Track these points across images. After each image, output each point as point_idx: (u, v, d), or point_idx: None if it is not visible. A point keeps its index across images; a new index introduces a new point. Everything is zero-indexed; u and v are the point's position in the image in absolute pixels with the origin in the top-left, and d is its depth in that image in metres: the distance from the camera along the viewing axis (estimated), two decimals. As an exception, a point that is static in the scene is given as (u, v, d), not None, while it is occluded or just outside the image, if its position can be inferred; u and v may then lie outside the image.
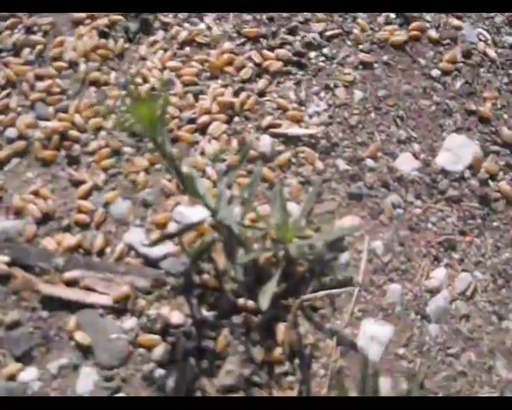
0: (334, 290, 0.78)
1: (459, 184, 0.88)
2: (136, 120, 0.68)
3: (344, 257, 0.83)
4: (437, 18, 1.02)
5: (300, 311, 0.79)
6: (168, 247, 0.83)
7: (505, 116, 0.94)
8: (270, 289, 0.75)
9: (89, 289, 0.81)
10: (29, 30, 1.02)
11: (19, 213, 0.87)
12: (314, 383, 0.76)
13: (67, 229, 0.86)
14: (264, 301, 0.74)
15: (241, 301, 0.79)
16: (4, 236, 0.85)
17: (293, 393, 0.74)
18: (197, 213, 0.84)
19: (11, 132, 0.93)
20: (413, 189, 0.88)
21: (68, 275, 0.81)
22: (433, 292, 0.80)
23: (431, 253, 0.83)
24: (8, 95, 0.96)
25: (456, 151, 0.90)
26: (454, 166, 0.89)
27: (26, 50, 0.99)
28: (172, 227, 0.85)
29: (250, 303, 0.78)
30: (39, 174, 0.90)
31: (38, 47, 0.99)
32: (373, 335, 0.78)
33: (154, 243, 0.80)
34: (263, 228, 0.79)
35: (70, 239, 0.84)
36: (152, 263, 0.82)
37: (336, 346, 0.77)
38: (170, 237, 0.81)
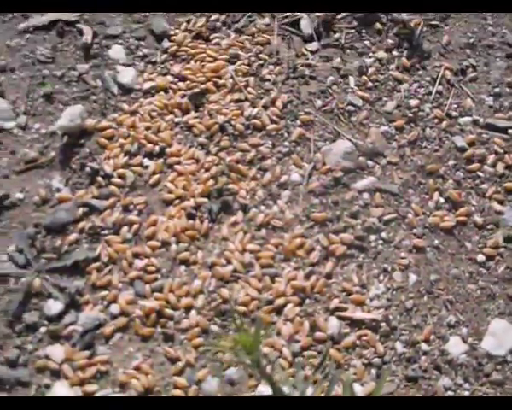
0: None
1: (502, 367, 1.02)
2: (236, 349, 0.82)
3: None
4: (481, 202, 1.17)
5: None
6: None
7: (543, 302, 1.08)
8: None
9: None
10: (126, 208, 1.18)
11: (123, 386, 1.03)
12: None
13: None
14: None
15: None
16: (112, 408, 1.01)
17: None
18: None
19: (114, 308, 1.09)
20: (461, 372, 1.02)
21: (169, 449, 0.97)
22: None
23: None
24: (110, 271, 1.13)
25: (500, 336, 1.04)
26: (498, 351, 1.03)
27: (124, 229, 1.16)
28: None
29: None
30: (139, 349, 1.05)
31: (135, 226, 1.16)
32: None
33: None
34: None
35: (168, 415, 1.00)
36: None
37: None
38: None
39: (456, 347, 1.04)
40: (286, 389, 0.90)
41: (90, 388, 1.02)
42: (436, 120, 1.25)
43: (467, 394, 1.00)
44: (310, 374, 0.99)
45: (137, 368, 1.04)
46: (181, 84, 1.30)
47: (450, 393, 1.00)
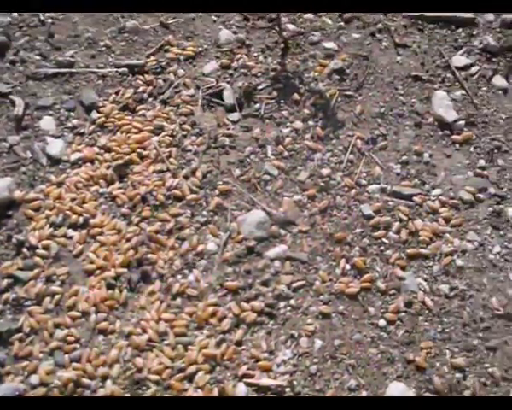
0: None
1: (398, 429, 1.09)
2: None
3: None
4: (385, 268, 1.24)
5: None
6: None
7: (437, 364, 1.14)
8: None
9: None
10: (49, 279, 1.23)
11: (40, 455, 1.07)
12: None
13: None
14: None
15: None
16: None
17: None
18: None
19: (34, 379, 1.13)
20: (360, 434, 1.08)
21: None
22: None
23: None
24: (31, 342, 1.17)
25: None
26: (394, 413, 1.10)
27: (47, 299, 1.21)
28: None
29: None
30: (57, 418, 1.11)
31: (57, 297, 1.21)
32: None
33: None
34: None
35: None
36: None
37: None
38: None
39: (355, 410, 1.11)
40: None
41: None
42: (346, 189, 1.33)
43: (364, 456, 1.06)
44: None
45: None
46: (106, 155, 1.37)
47: (348, 456, 1.07)
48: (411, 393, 1.11)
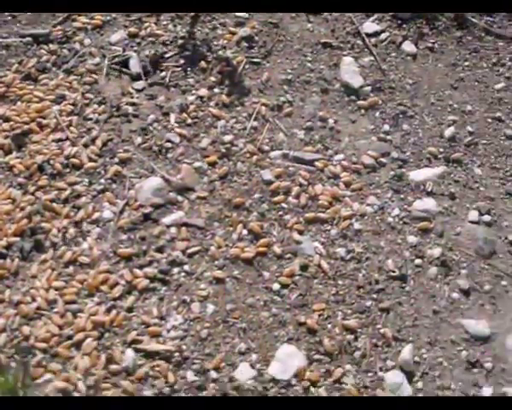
0: None
1: (286, 390, 1.07)
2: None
3: None
4: (282, 233, 1.23)
5: None
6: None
7: (329, 326, 1.13)
8: None
9: None
10: None
11: None
12: None
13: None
14: None
15: None
16: None
17: None
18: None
19: None
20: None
21: None
22: None
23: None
24: None
25: (286, 361, 1.09)
26: (283, 375, 1.08)
27: None
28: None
29: None
30: None
31: None
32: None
33: None
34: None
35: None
36: None
37: None
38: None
39: (244, 373, 1.09)
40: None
41: None
42: (248, 155, 1.32)
43: (251, 419, 1.06)
44: (102, 406, 1.04)
45: None
46: (5, 125, 1.34)
47: (233, 418, 1.06)
48: (301, 355, 1.10)
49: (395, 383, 1.09)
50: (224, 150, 1.32)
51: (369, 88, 1.42)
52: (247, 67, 1.45)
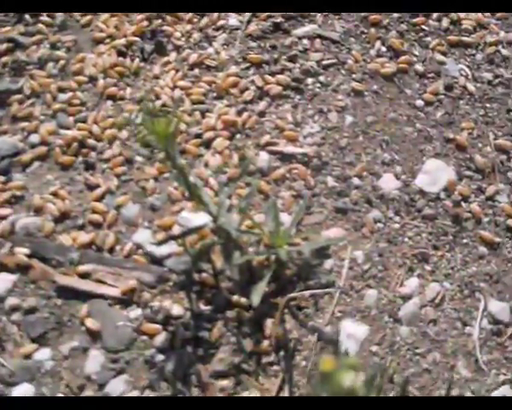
0: (317, 291, 0.88)
1: (434, 203, 0.98)
2: (151, 134, 0.78)
3: (328, 263, 0.93)
4: (424, 53, 1.13)
5: (287, 309, 0.89)
6: (172, 247, 0.93)
7: (479, 145, 1.04)
8: (262, 288, 0.85)
9: (100, 281, 0.91)
10: (53, 46, 1.12)
11: (38, 211, 0.97)
12: (296, 373, 0.85)
13: (82, 227, 0.96)
14: (256, 298, 0.84)
15: (235, 297, 0.89)
16: (25, 231, 0.95)
17: (278, 380, 0.84)
18: (199, 219, 0.94)
19: (34, 138, 1.03)
20: (393, 206, 0.98)
21: (82, 268, 0.92)
22: (406, 298, 0.90)
23: (406, 264, 0.93)
24: (32, 104, 1.06)
25: (434, 174, 1.00)
26: (431, 188, 0.99)
27: (50, 64, 1.10)
28: (177, 230, 0.95)
29: (243, 300, 0.88)
30: (58, 177, 1.00)
31: (61, 62, 1.10)
32: (350, 333, 0.88)
33: (160, 243, 0.90)
34: (257, 233, 0.89)
35: (84, 237, 0.94)
36: (157, 261, 0.92)
37: (317, 341, 0.87)
38: (174, 238, 0.91)
39: (388, 183, 1.00)
40: (211, 208, 0.87)
41: (3, 211, 0.96)
42: (383, -24, 1.22)
43: (397, 226, 0.96)
44: (235, 204, 0.96)
45: (54, 194, 0.98)
46: None
47: (379, 225, 0.96)
48: (450, 170, 1.01)
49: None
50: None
51: None
52: None
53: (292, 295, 0.89)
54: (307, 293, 0.89)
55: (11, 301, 0.90)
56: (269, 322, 0.87)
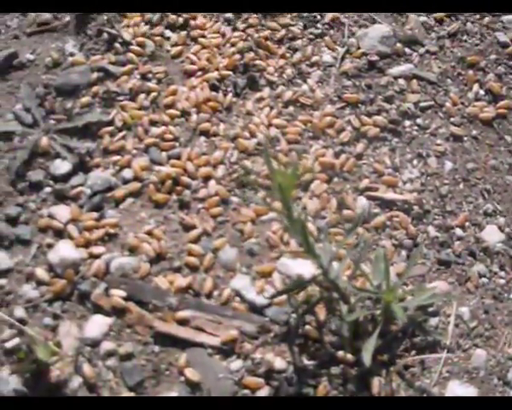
0: (427, 356, 0.85)
1: (541, 260, 0.96)
2: (274, 185, 0.75)
3: (433, 320, 0.90)
4: (523, 98, 1.10)
5: (393, 366, 0.86)
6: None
7: None
8: (372, 345, 0.82)
9: (199, 329, 0.88)
10: (144, 76, 1.10)
11: (133, 250, 0.95)
12: (405, 437, 0.83)
13: (178, 269, 0.93)
14: (367, 358, 0.81)
15: (340, 353, 0.86)
16: (120, 271, 0.93)
17: (387, 444, 0.82)
18: (300, 266, 0.92)
19: (127, 173, 1.01)
20: (498, 260, 0.95)
21: (181, 314, 0.89)
22: (516, 361, 0.87)
23: (514, 323, 0.90)
24: (123, 137, 1.04)
25: (539, 228, 0.97)
26: (537, 242, 0.97)
27: (142, 96, 1.08)
28: (276, 277, 0.92)
29: (348, 356, 0.86)
30: (152, 215, 0.98)
31: (153, 94, 1.08)
32: (458, 395, 0.85)
33: (272, 297, 0.88)
34: (371, 291, 0.86)
35: (181, 280, 0.92)
36: (257, 310, 0.90)
37: (426, 403, 0.84)
38: (285, 292, 0.88)
39: (492, 235, 0.97)
40: (323, 261, 0.84)
41: (97, 250, 0.95)
42: (478, 16, 1.19)
43: (502, 282, 0.93)
44: (335, 250, 0.93)
45: (149, 233, 0.96)
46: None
47: (484, 280, 0.94)
48: (557, 224, 0.98)
49: None
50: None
51: None
52: None
53: (402, 361, 0.86)
54: (417, 358, 0.86)
55: (107, 345, 0.88)
56: (375, 380, 0.85)
